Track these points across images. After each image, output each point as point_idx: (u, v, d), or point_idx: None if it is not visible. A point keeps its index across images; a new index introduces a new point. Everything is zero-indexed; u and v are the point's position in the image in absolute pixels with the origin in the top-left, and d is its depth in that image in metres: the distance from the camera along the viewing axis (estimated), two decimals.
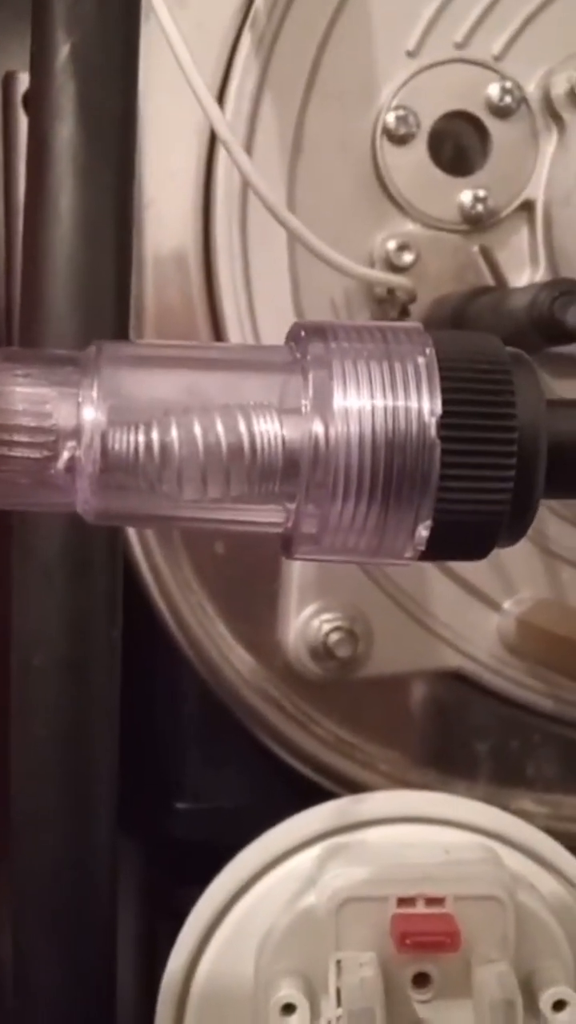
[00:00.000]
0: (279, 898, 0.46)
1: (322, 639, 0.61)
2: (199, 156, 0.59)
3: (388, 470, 0.30)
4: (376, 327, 0.31)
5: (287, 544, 0.32)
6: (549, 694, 0.65)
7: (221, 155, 0.58)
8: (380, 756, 0.64)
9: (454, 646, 0.63)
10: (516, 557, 0.63)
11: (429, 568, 0.63)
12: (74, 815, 0.48)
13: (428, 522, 0.31)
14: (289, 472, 0.31)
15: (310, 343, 0.31)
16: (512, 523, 0.31)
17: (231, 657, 0.62)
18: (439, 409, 0.30)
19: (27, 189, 0.47)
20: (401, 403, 0.30)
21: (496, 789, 0.64)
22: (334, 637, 0.61)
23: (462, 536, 0.31)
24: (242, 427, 0.31)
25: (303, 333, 0.31)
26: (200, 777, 0.65)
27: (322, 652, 0.61)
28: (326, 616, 0.61)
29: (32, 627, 0.47)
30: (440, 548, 0.31)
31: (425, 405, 0.30)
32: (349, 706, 0.64)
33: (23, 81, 0.59)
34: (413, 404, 0.30)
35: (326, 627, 0.61)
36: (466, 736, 0.65)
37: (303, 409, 0.31)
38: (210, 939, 0.47)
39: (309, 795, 0.54)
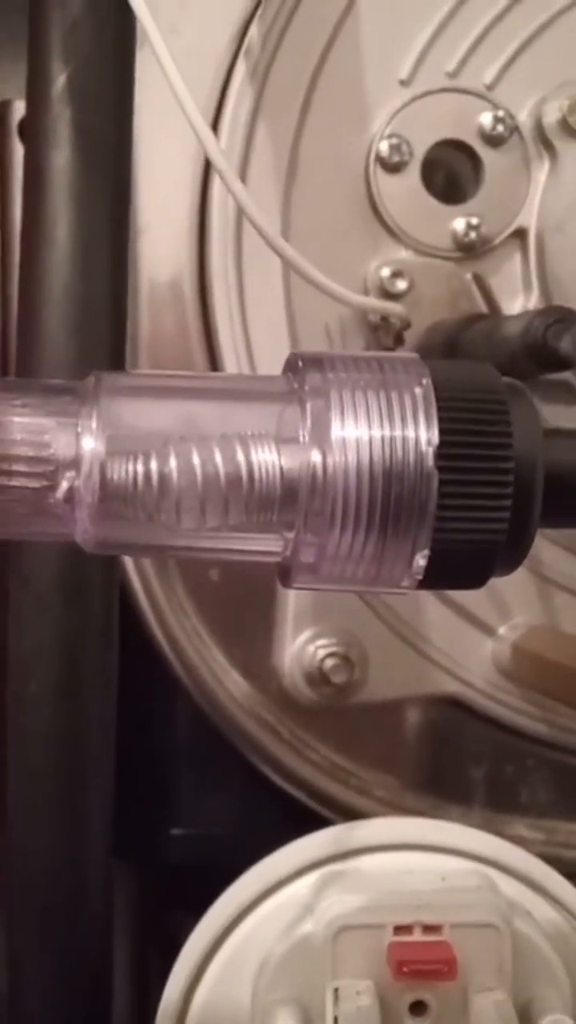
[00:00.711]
0: (276, 926, 0.46)
1: (317, 665, 0.61)
2: (193, 183, 0.59)
3: (386, 499, 0.30)
4: (373, 357, 0.32)
5: (285, 573, 0.32)
6: (543, 719, 0.65)
7: (216, 183, 0.59)
8: (375, 782, 0.64)
9: (449, 672, 0.63)
10: (511, 583, 0.63)
11: (424, 594, 0.63)
12: (70, 843, 0.48)
13: (426, 551, 0.31)
14: (287, 501, 0.31)
15: (308, 373, 0.31)
16: (509, 552, 0.31)
17: (226, 682, 0.62)
18: (436, 439, 0.30)
19: (23, 217, 0.47)
20: (399, 433, 0.31)
21: (491, 815, 0.64)
22: (329, 663, 0.61)
23: (459, 565, 0.31)
24: (240, 457, 0.31)
25: (300, 363, 0.32)
26: (194, 803, 0.65)
27: (317, 678, 0.61)
28: (321, 642, 0.61)
29: (27, 653, 0.47)
30: (437, 577, 0.31)
31: (422, 435, 0.30)
32: (344, 732, 0.64)
33: (18, 109, 0.59)
34: (410, 434, 0.30)
35: (321, 653, 0.61)
36: (461, 762, 0.65)
37: (301, 439, 0.31)
38: (207, 966, 0.47)
39: (303, 821, 0.53)
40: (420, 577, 0.31)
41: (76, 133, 0.46)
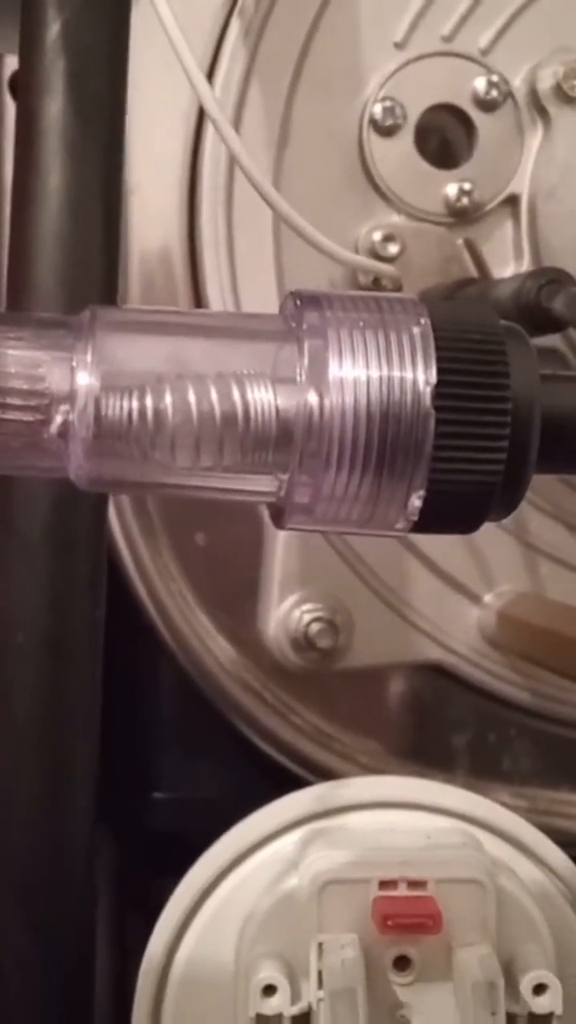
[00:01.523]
0: (261, 881, 0.46)
1: (303, 630, 0.61)
2: (185, 141, 0.59)
3: (382, 440, 0.30)
4: (371, 297, 0.31)
5: (278, 514, 0.32)
6: (527, 687, 0.65)
7: (208, 140, 0.58)
8: (359, 747, 0.64)
9: (434, 639, 0.63)
10: (497, 551, 0.63)
11: (411, 560, 0.63)
12: (54, 794, 0.48)
13: (421, 492, 0.31)
14: (282, 442, 0.31)
15: (305, 312, 0.31)
16: (504, 496, 0.31)
17: (212, 647, 0.62)
18: (434, 379, 0.30)
19: (15, 165, 0.46)
20: (396, 373, 0.30)
21: (474, 782, 0.64)
22: (315, 628, 0.61)
23: (454, 507, 0.31)
24: (236, 395, 0.31)
25: (298, 302, 0.31)
26: (177, 767, 0.65)
27: (303, 643, 0.61)
28: (307, 607, 0.61)
29: (14, 606, 0.46)
30: (432, 519, 0.31)
31: (420, 375, 0.30)
32: (329, 697, 0.64)
33: (9, 64, 0.59)
34: (408, 374, 0.30)
35: (307, 618, 0.61)
36: (445, 729, 0.65)
37: (298, 379, 0.31)
38: (191, 921, 0.47)
39: (287, 786, 0.53)
40: (415, 518, 0.31)
41: (70, 82, 0.45)
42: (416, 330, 0.31)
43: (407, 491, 0.31)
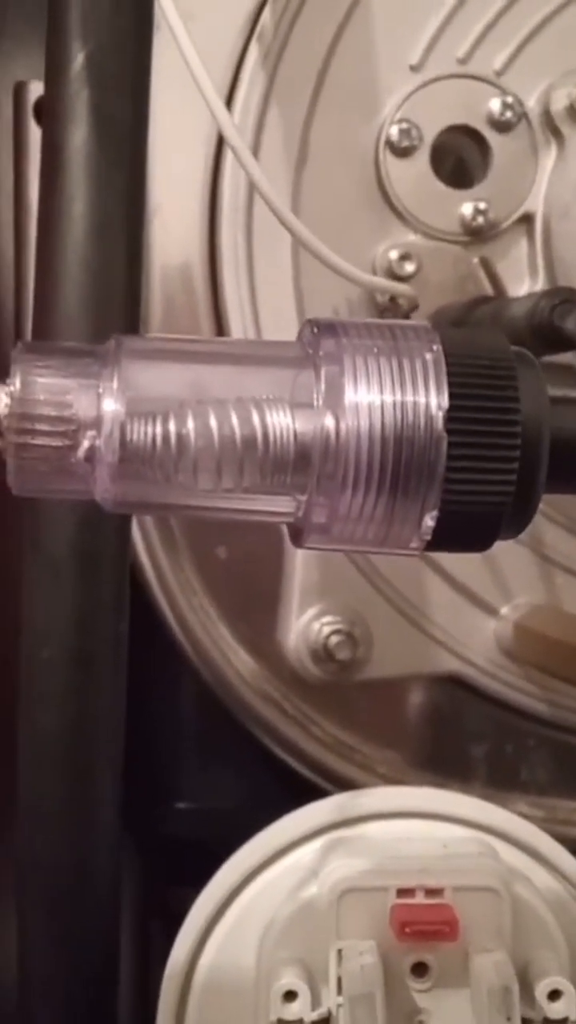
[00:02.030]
0: (282, 889, 0.47)
1: (322, 642, 0.62)
2: (206, 164, 0.60)
3: (396, 462, 0.31)
4: (385, 324, 0.32)
5: (297, 534, 0.33)
6: (544, 698, 0.66)
7: (227, 164, 0.60)
8: (378, 758, 0.65)
9: (452, 650, 0.64)
10: (513, 563, 0.64)
11: (428, 573, 0.64)
12: (79, 804, 0.49)
13: (434, 512, 0.32)
14: (300, 464, 0.32)
15: (322, 339, 0.32)
16: (515, 515, 0.32)
17: (232, 658, 0.63)
18: (446, 403, 0.31)
19: (41, 193, 0.48)
20: (410, 398, 0.31)
21: (492, 792, 0.65)
22: (334, 640, 0.62)
23: (467, 526, 0.32)
24: (256, 420, 0.32)
25: (315, 329, 0.32)
26: (199, 777, 0.66)
27: (322, 654, 0.62)
28: (326, 619, 0.62)
29: (41, 621, 0.47)
30: (445, 538, 0.32)
31: (433, 400, 0.31)
32: (348, 708, 0.65)
33: (33, 91, 0.60)
34: (421, 399, 0.31)
35: (326, 630, 0.62)
36: (463, 740, 0.66)
37: (315, 403, 0.32)
38: (213, 929, 0.48)
39: (307, 796, 0.54)
40: (428, 538, 0.32)
41: (94, 112, 0.47)
42: (428, 356, 0.32)
43: (421, 512, 0.32)
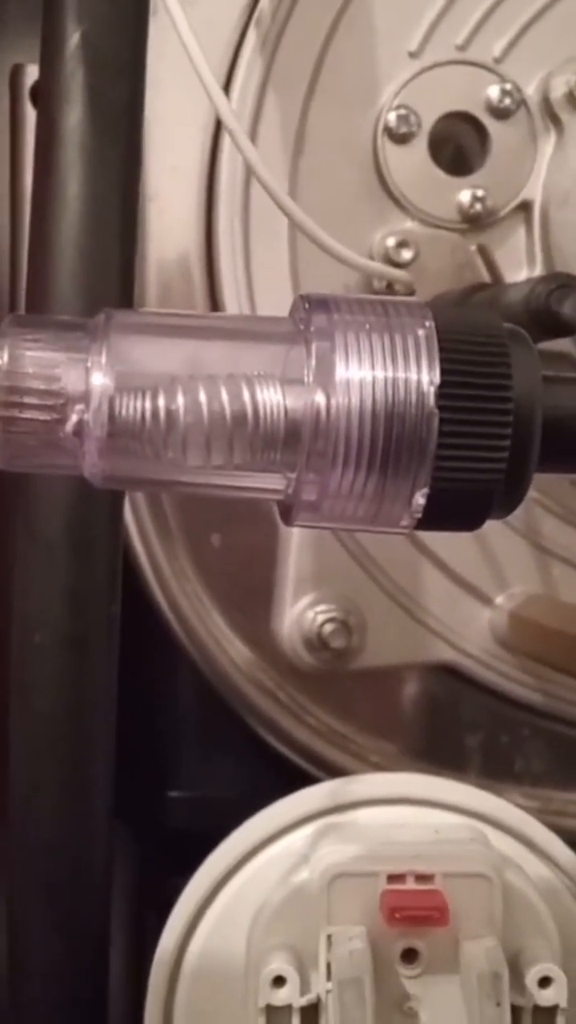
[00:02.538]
0: (272, 875, 0.47)
1: (316, 630, 0.62)
2: (203, 151, 0.60)
3: (387, 439, 0.31)
4: (378, 300, 0.32)
5: (287, 511, 0.33)
6: (539, 688, 0.65)
7: (225, 150, 0.59)
8: (372, 747, 0.65)
9: (446, 640, 0.64)
10: (509, 552, 0.64)
11: (423, 562, 0.64)
12: (72, 789, 0.48)
13: (425, 490, 0.31)
14: (290, 441, 0.32)
15: (313, 315, 0.32)
16: (506, 494, 0.32)
17: (226, 647, 0.63)
18: (438, 379, 0.31)
19: (35, 173, 0.47)
20: (401, 374, 0.31)
21: (486, 783, 0.65)
22: (328, 628, 0.62)
23: (457, 505, 0.32)
24: (246, 396, 0.32)
25: (307, 305, 0.32)
26: (194, 766, 0.66)
27: (316, 643, 0.62)
28: (321, 607, 0.62)
29: (33, 604, 0.47)
30: (436, 517, 0.32)
31: (424, 376, 0.31)
32: (342, 697, 0.64)
33: (30, 73, 0.60)
34: (412, 375, 0.31)
35: (321, 618, 0.62)
36: (457, 730, 0.66)
37: (306, 380, 0.32)
38: (203, 915, 0.48)
39: (302, 785, 0.54)
40: (419, 516, 0.32)
41: (89, 92, 0.46)
42: (421, 333, 0.31)
43: (411, 489, 0.31)
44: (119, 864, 0.58)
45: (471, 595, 0.64)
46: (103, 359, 0.31)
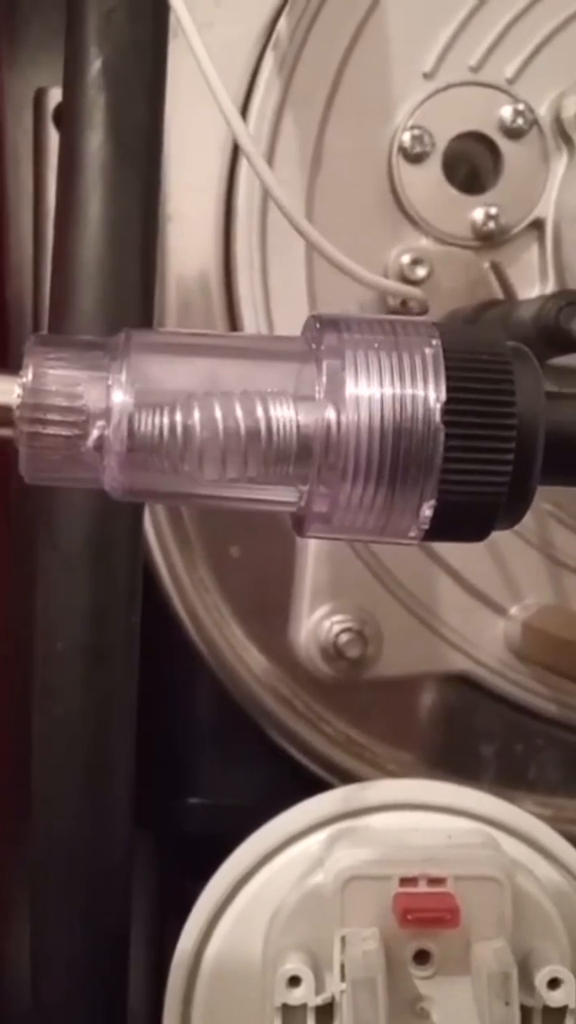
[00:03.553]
0: (288, 878, 0.48)
1: (333, 640, 0.63)
2: (221, 171, 0.61)
3: (395, 454, 0.32)
4: (387, 320, 0.34)
5: (299, 523, 0.34)
6: (553, 699, 0.66)
7: (242, 171, 0.61)
8: (387, 756, 0.66)
9: (461, 650, 0.65)
10: (523, 564, 0.65)
11: (438, 573, 0.65)
12: (93, 792, 0.50)
13: (432, 502, 0.33)
14: (303, 455, 0.33)
15: (324, 334, 0.33)
16: (510, 506, 0.33)
17: (244, 656, 0.64)
18: (444, 396, 0.32)
19: (57, 196, 0.49)
20: (408, 391, 0.32)
21: (500, 791, 0.65)
22: (344, 638, 0.63)
23: (463, 516, 0.33)
24: (260, 412, 0.33)
25: (318, 325, 0.34)
26: (212, 773, 0.67)
27: (333, 653, 0.63)
28: (337, 618, 0.63)
29: (55, 614, 0.49)
30: (442, 528, 0.33)
31: (431, 393, 0.32)
32: (358, 707, 0.65)
33: (53, 97, 0.62)
34: (420, 392, 0.32)
35: (337, 628, 0.63)
36: (472, 739, 0.67)
37: (317, 396, 0.33)
38: (222, 916, 0.49)
39: (318, 792, 0.55)
40: (426, 527, 0.33)
41: (110, 116, 0.48)
42: (428, 351, 0.33)
43: (419, 501, 0.33)
44: (140, 870, 0.59)
45: (485, 606, 0.65)
46: (123, 377, 0.32)
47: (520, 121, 0.62)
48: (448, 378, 0.32)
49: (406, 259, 0.62)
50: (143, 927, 0.71)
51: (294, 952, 0.46)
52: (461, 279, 0.63)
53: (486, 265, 0.63)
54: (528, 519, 0.63)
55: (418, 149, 0.62)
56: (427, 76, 0.62)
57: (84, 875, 0.50)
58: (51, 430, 0.32)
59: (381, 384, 0.33)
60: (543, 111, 0.63)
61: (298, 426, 0.33)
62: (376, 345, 0.33)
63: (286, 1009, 0.45)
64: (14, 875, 0.61)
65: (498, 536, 0.64)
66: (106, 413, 0.32)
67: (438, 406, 0.32)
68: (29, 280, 0.62)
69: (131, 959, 0.55)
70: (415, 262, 0.62)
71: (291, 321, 0.61)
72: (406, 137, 0.62)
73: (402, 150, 0.62)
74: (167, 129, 0.53)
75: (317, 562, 0.63)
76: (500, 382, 0.32)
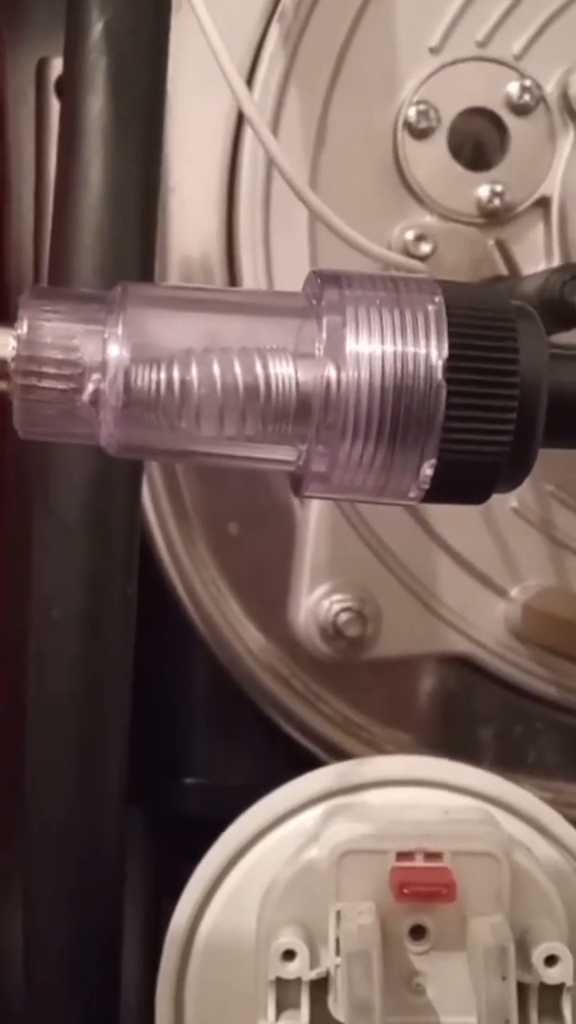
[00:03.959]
0: (283, 853, 0.47)
1: (332, 619, 0.62)
2: (225, 143, 0.60)
3: (396, 411, 0.32)
4: (389, 276, 0.33)
5: (297, 482, 0.34)
6: (552, 681, 0.66)
7: (246, 142, 0.60)
8: (385, 737, 0.65)
9: (461, 631, 0.65)
10: (524, 545, 0.65)
11: (438, 554, 0.64)
12: (86, 764, 0.49)
13: (432, 461, 0.32)
14: (301, 413, 0.32)
15: (325, 290, 0.33)
16: (511, 467, 0.33)
17: (243, 634, 0.64)
18: (446, 354, 0.32)
19: (58, 160, 0.48)
20: (410, 349, 0.32)
21: (499, 773, 0.65)
22: (344, 617, 0.62)
23: (464, 477, 0.33)
24: (258, 369, 0.32)
25: (319, 280, 0.33)
26: (208, 753, 0.66)
27: (332, 632, 0.63)
28: (337, 597, 0.63)
29: (51, 582, 0.48)
30: (443, 488, 0.33)
31: (433, 351, 0.32)
32: (357, 687, 0.65)
33: (55, 67, 0.61)
34: (421, 350, 0.32)
35: (336, 607, 0.62)
36: (471, 721, 0.66)
37: (317, 353, 0.32)
38: (216, 892, 0.48)
39: None
40: (426, 487, 0.33)
41: (111, 80, 0.47)
42: (430, 308, 0.32)
43: (419, 460, 0.32)
44: (134, 851, 0.59)
45: (486, 587, 0.65)
46: (119, 331, 0.32)
47: (527, 97, 0.62)
48: (451, 335, 0.32)
49: (410, 235, 0.61)
50: (137, 906, 0.70)
51: (289, 926, 0.45)
52: (465, 256, 0.62)
53: (491, 242, 0.62)
54: (529, 499, 0.64)
55: (423, 124, 0.61)
56: (433, 51, 0.62)
57: (76, 851, 0.50)
58: (46, 383, 0.32)
59: (382, 341, 0.32)
60: (550, 88, 0.62)
61: (297, 383, 0.32)
62: (378, 302, 0.32)
63: (280, 983, 0.45)
64: (9, 860, 0.60)
65: (499, 517, 0.64)
66: (102, 367, 0.32)
67: (440, 363, 0.32)
68: (30, 246, 0.62)
69: (124, 938, 0.55)
70: (419, 238, 0.61)
71: None
72: (411, 112, 0.61)
73: (407, 125, 0.61)
74: (171, 102, 0.53)
75: (317, 540, 0.63)
76: (503, 340, 0.32)
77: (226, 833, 0.50)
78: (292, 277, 0.61)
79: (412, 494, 0.33)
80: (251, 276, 0.61)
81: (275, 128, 0.60)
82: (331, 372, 0.32)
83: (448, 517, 0.63)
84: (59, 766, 0.49)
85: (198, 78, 0.58)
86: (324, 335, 0.32)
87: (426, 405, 0.32)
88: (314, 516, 0.61)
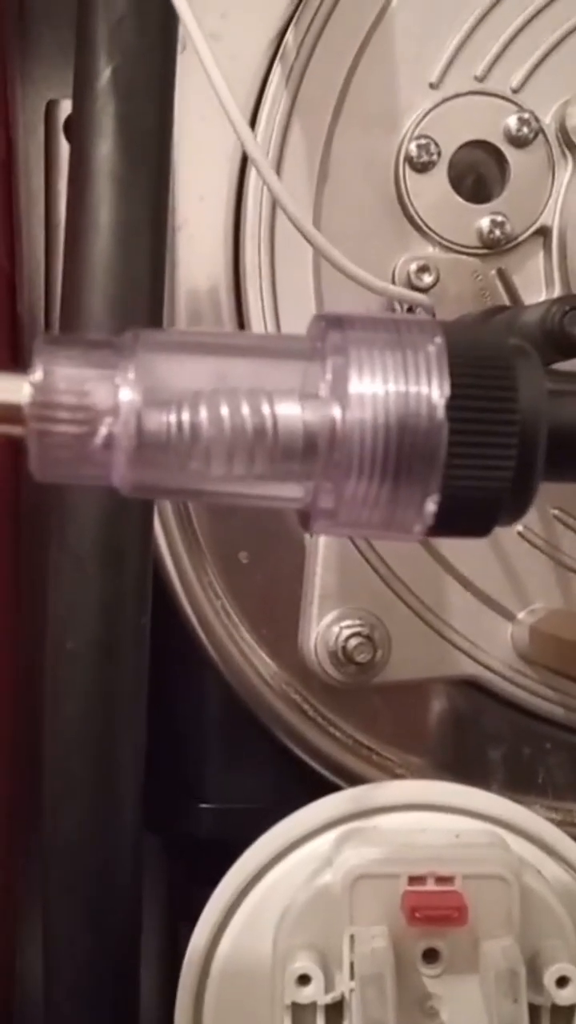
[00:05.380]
0: (298, 878, 0.48)
1: (341, 644, 0.63)
2: (230, 180, 0.62)
3: (399, 449, 0.33)
4: (390, 318, 0.34)
5: (305, 518, 0.35)
6: (561, 703, 0.66)
7: (251, 179, 0.61)
8: (396, 760, 0.66)
9: (469, 654, 0.65)
10: (530, 568, 0.65)
11: (446, 579, 0.65)
12: (102, 789, 0.50)
13: (435, 497, 0.33)
14: (308, 452, 0.33)
15: (329, 332, 0.34)
16: (513, 501, 0.34)
17: (254, 661, 0.64)
18: (447, 393, 0.33)
19: (68, 202, 0.50)
20: (413, 388, 0.33)
21: (509, 795, 0.66)
22: (353, 643, 0.63)
23: (467, 511, 0.34)
24: (266, 410, 0.33)
25: (323, 323, 0.34)
26: (222, 778, 0.67)
27: (341, 657, 0.63)
28: (346, 623, 0.63)
29: (65, 612, 0.49)
30: (446, 523, 0.34)
31: (435, 390, 0.33)
32: (367, 711, 0.66)
33: (64, 108, 0.62)
34: (424, 389, 0.33)
35: (346, 633, 0.63)
36: (480, 742, 0.67)
37: (322, 394, 0.33)
38: (232, 916, 0.49)
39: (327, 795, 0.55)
40: (431, 522, 0.34)
41: (120, 123, 0.49)
42: (431, 348, 0.33)
43: (423, 496, 0.33)
44: (150, 876, 0.59)
45: (494, 611, 0.65)
46: (131, 375, 0.33)
47: (525, 130, 0.63)
48: (452, 375, 0.33)
49: (413, 267, 0.62)
50: (154, 931, 0.71)
51: (303, 951, 0.46)
52: (468, 286, 0.63)
53: (492, 272, 0.63)
54: (534, 523, 0.65)
55: (424, 158, 0.62)
56: (433, 86, 0.63)
57: (93, 872, 0.50)
58: (60, 428, 0.33)
59: (385, 381, 0.33)
60: (548, 120, 0.63)
61: (304, 423, 0.33)
62: (380, 343, 0.33)
63: (296, 1007, 0.45)
64: (27, 886, 0.61)
65: (505, 541, 0.65)
66: (114, 411, 0.33)
67: (442, 402, 0.33)
68: (41, 287, 0.63)
69: (142, 960, 0.56)
70: (422, 269, 0.62)
71: (299, 327, 0.59)
72: (412, 146, 0.62)
73: (408, 159, 0.62)
74: (177, 140, 0.54)
75: (326, 567, 0.63)
76: (503, 379, 0.33)
77: (242, 858, 0.51)
78: (298, 309, 0.62)
79: (417, 528, 0.34)
80: (257, 308, 0.62)
81: (279, 165, 0.61)
82: (336, 412, 0.33)
83: (455, 543, 0.64)
84: (76, 793, 0.50)
85: (203, 114, 0.59)
86: (328, 376, 0.33)
87: (429, 443, 0.33)
88: (322, 544, 0.62)
